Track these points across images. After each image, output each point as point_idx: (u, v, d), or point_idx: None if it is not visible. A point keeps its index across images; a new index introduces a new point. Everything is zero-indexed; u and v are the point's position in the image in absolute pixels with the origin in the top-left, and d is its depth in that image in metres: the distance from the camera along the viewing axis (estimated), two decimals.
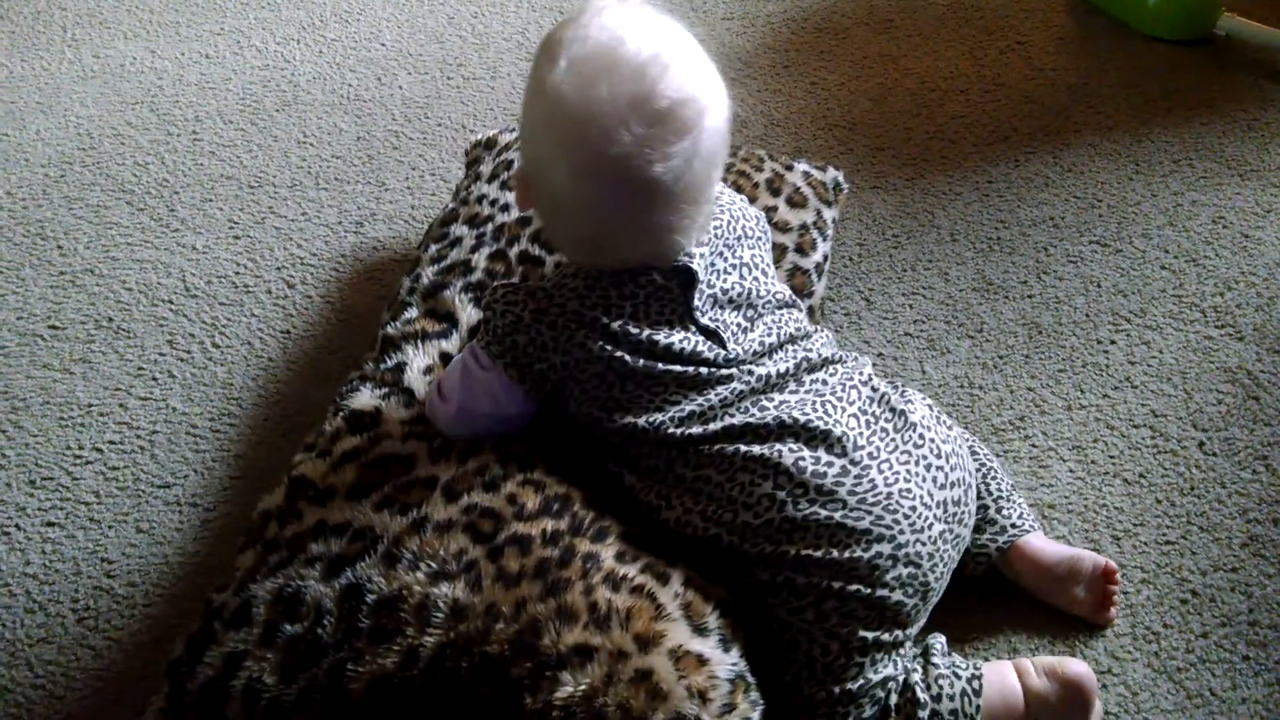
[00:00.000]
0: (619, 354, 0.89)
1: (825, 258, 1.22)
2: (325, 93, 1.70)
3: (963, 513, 0.94)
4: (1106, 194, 1.45)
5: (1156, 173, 1.48)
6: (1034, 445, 1.15)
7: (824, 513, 0.86)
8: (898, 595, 0.87)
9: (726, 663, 0.81)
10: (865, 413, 0.93)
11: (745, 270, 0.97)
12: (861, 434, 0.91)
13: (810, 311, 1.16)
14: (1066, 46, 1.73)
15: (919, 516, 0.89)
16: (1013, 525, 1.00)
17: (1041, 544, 1.00)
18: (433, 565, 0.83)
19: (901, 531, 0.87)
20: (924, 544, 0.88)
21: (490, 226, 1.16)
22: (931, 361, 1.24)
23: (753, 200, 1.20)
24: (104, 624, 1.04)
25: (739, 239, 0.98)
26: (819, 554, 0.86)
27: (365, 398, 1.00)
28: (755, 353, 0.93)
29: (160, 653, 0.90)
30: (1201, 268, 1.34)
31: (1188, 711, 0.94)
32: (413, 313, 1.09)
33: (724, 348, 0.92)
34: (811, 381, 0.93)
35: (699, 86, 0.86)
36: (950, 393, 1.20)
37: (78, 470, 1.17)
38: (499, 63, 1.75)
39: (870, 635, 0.86)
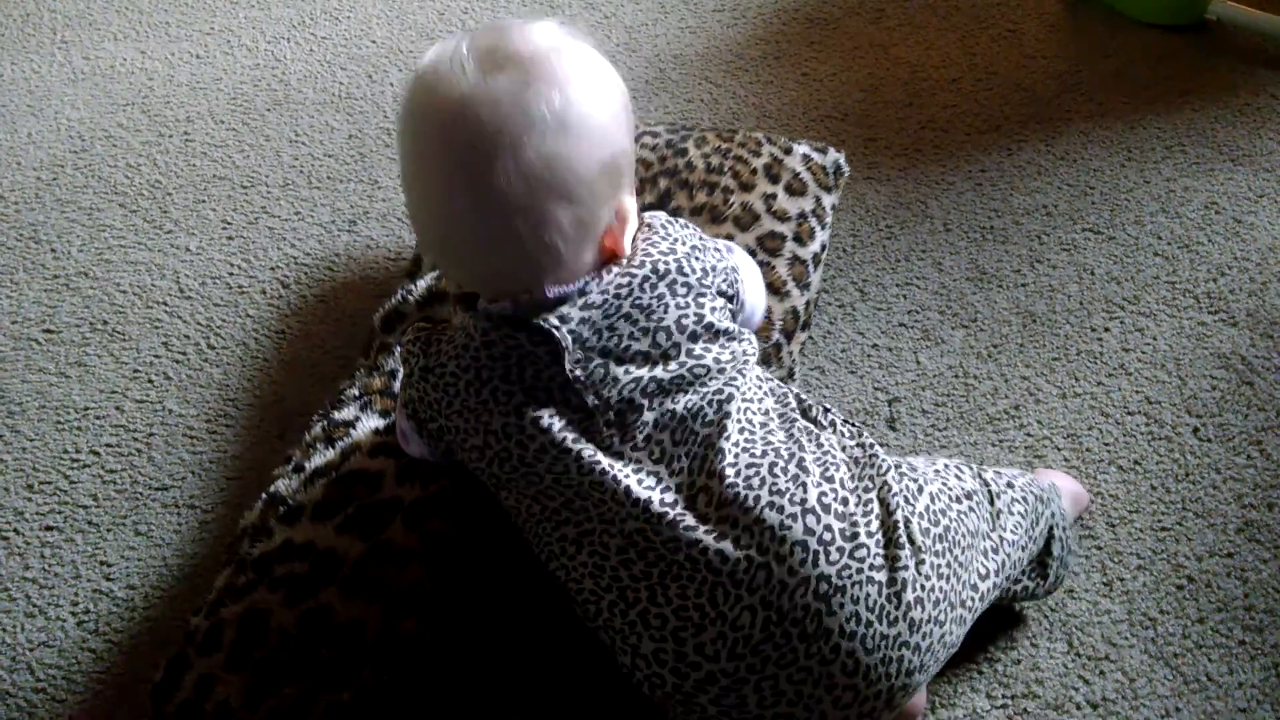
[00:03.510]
0: (493, 429, 0.80)
1: (823, 247, 1.21)
2: (316, 91, 1.70)
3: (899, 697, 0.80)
4: (1099, 181, 1.45)
5: (1149, 159, 1.48)
6: (1029, 434, 1.15)
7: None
8: None
9: None
10: (765, 607, 0.75)
11: (663, 334, 0.80)
12: (744, 639, 0.76)
13: (807, 305, 1.16)
14: (1058, 34, 1.73)
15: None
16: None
17: None
18: (391, 595, 0.84)
19: None
20: None
21: None
22: (926, 352, 1.24)
23: (750, 188, 1.19)
24: (104, 627, 1.04)
25: (669, 290, 0.82)
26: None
27: (349, 411, 1.02)
28: (652, 455, 0.79)
29: (161, 655, 0.90)
30: (1194, 253, 1.34)
31: (1184, 697, 0.94)
32: (408, 323, 1.10)
33: (603, 436, 0.79)
34: (715, 523, 0.77)
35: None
36: (945, 383, 1.21)
37: (75, 474, 1.17)
38: None
39: None
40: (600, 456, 0.78)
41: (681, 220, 0.87)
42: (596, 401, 0.79)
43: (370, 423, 0.99)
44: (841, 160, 1.28)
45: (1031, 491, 0.93)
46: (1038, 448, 1.14)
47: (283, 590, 0.85)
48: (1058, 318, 1.27)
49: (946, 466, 0.89)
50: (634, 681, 0.81)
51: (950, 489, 0.85)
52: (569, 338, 0.78)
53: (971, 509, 0.85)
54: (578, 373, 0.78)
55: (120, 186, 1.54)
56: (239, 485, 1.15)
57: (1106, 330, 1.26)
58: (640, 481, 0.78)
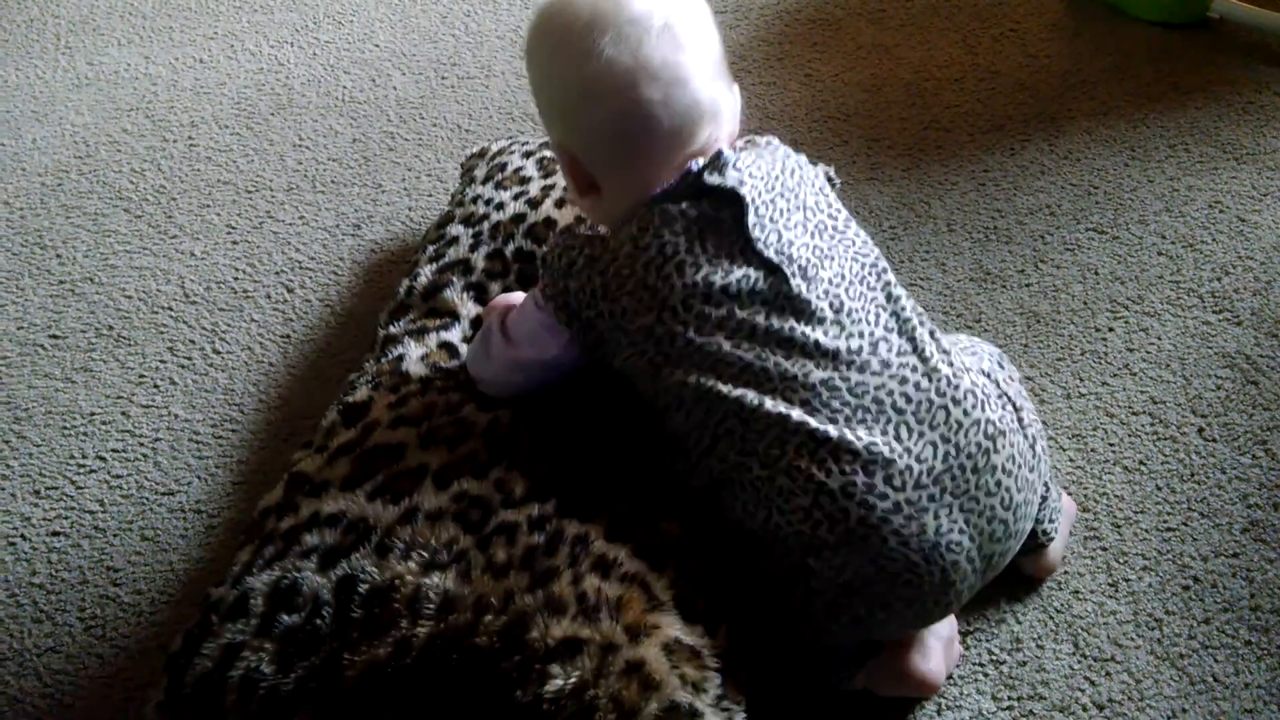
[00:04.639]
0: (671, 304, 0.84)
1: None
2: (320, 95, 1.71)
3: (1000, 564, 0.89)
4: (1103, 181, 1.45)
5: (1152, 158, 1.48)
6: None
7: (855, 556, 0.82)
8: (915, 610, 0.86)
9: (714, 654, 0.81)
10: (945, 442, 0.84)
11: (810, 212, 0.89)
12: (928, 470, 0.83)
13: None
14: (1060, 33, 1.73)
15: (958, 574, 0.85)
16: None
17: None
18: (425, 555, 0.83)
19: (934, 588, 0.84)
20: (953, 594, 0.86)
21: (486, 225, 1.17)
22: None
23: None
24: (111, 632, 1.04)
25: (798, 181, 0.90)
26: (850, 576, 0.83)
27: (361, 393, 1.02)
28: (834, 306, 0.85)
29: (165, 658, 0.90)
30: (1199, 253, 1.34)
31: (1190, 698, 0.94)
32: (413, 314, 1.10)
33: (789, 288, 0.84)
34: (898, 368, 0.85)
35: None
36: None
37: (82, 479, 1.18)
38: (493, 61, 1.75)
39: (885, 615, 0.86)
40: (786, 313, 0.84)
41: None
42: (781, 257, 0.85)
43: (383, 400, 0.99)
44: (831, 172, 1.28)
45: None
46: None
47: (315, 557, 0.85)
48: (1062, 318, 1.27)
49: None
50: (798, 530, 0.83)
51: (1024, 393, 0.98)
52: (750, 193, 0.85)
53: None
54: (757, 233, 0.85)
55: (125, 192, 1.55)
56: (245, 490, 1.15)
57: (1111, 330, 1.26)
58: (826, 333, 0.84)
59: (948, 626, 0.95)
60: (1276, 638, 0.98)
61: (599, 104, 0.85)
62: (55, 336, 1.34)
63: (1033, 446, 0.90)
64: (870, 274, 0.89)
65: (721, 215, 0.85)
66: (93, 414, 1.24)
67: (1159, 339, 1.24)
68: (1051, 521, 0.98)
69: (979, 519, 0.85)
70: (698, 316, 0.83)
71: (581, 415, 0.96)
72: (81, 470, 1.18)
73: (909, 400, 0.84)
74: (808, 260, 0.86)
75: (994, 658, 0.97)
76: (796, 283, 0.84)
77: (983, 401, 0.86)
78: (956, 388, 0.86)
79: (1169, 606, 1.00)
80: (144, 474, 1.18)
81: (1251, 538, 1.05)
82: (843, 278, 0.87)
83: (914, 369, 0.85)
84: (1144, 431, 1.15)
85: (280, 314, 1.35)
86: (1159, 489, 1.10)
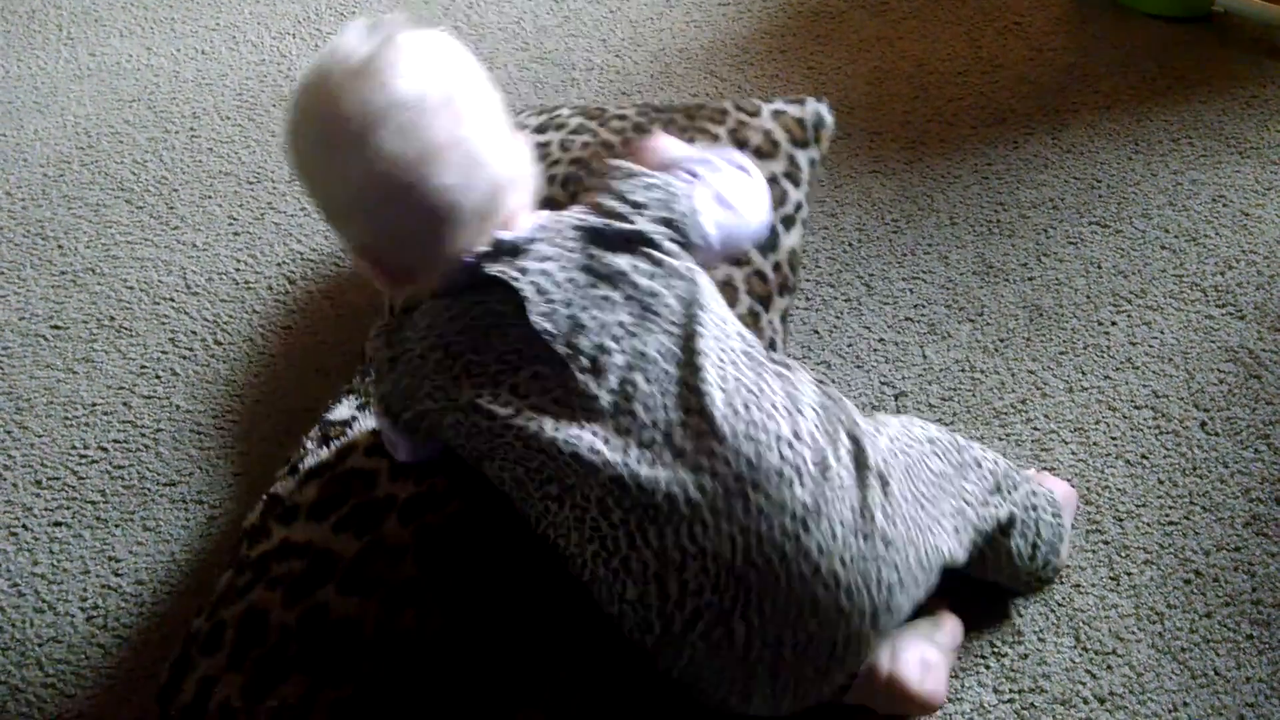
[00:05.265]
0: (462, 406, 0.80)
1: (799, 205, 1.15)
2: None
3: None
4: (1106, 174, 1.45)
5: (1156, 152, 1.48)
6: (1036, 428, 1.15)
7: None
8: None
9: None
10: (743, 534, 0.78)
11: (621, 285, 0.81)
12: (727, 569, 0.78)
13: (776, 267, 1.11)
14: (1064, 26, 1.72)
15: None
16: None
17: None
18: (390, 591, 0.84)
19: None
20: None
21: None
22: (932, 346, 1.24)
23: None
24: (112, 622, 1.04)
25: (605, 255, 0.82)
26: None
27: (343, 410, 1.02)
28: (625, 395, 0.79)
29: (169, 649, 0.90)
30: (1202, 247, 1.34)
31: (1192, 691, 0.94)
32: None
33: (575, 383, 0.79)
34: (692, 455, 0.79)
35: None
36: (951, 377, 1.21)
37: (83, 469, 1.18)
38: (495, 53, 1.75)
39: None
40: (574, 419, 0.78)
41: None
42: (568, 350, 0.79)
43: (368, 423, 0.99)
44: (824, 110, 1.22)
45: (1005, 468, 0.94)
46: (1045, 442, 1.13)
47: (281, 589, 0.86)
48: (1064, 312, 1.27)
49: (913, 420, 0.92)
50: (625, 631, 0.81)
51: (914, 434, 0.89)
52: (529, 288, 0.79)
53: (936, 453, 0.89)
54: (545, 325, 0.79)
55: (127, 183, 1.54)
56: (246, 480, 1.15)
57: (1113, 324, 1.25)
58: (615, 432, 0.78)
59: (951, 635, 0.94)
60: (1278, 632, 0.98)
61: (394, 203, 0.77)
62: (57, 327, 1.34)
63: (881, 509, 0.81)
64: (677, 347, 0.81)
65: (505, 308, 0.80)
66: (94, 404, 1.24)
67: (1162, 333, 1.24)
68: (1045, 565, 0.96)
69: (801, 612, 0.78)
70: (487, 417, 0.79)
71: None
72: (83, 461, 1.18)
73: (704, 492, 0.77)
74: (602, 345, 0.79)
75: (995, 650, 0.97)
76: (584, 380, 0.79)
77: (790, 481, 0.78)
78: (759, 469, 0.77)
79: (1171, 600, 1.00)
80: (145, 464, 1.18)
81: (1253, 532, 1.05)
82: (643, 356, 0.80)
83: (710, 454, 0.78)
84: (1146, 425, 1.15)
85: (282, 305, 1.35)
86: (1161, 483, 1.10)
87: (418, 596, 0.84)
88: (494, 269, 0.79)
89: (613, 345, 0.80)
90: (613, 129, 1.20)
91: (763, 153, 1.16)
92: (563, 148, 1.16)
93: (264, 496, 0.96)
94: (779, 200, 1.14)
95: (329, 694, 0.81)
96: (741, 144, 1.15)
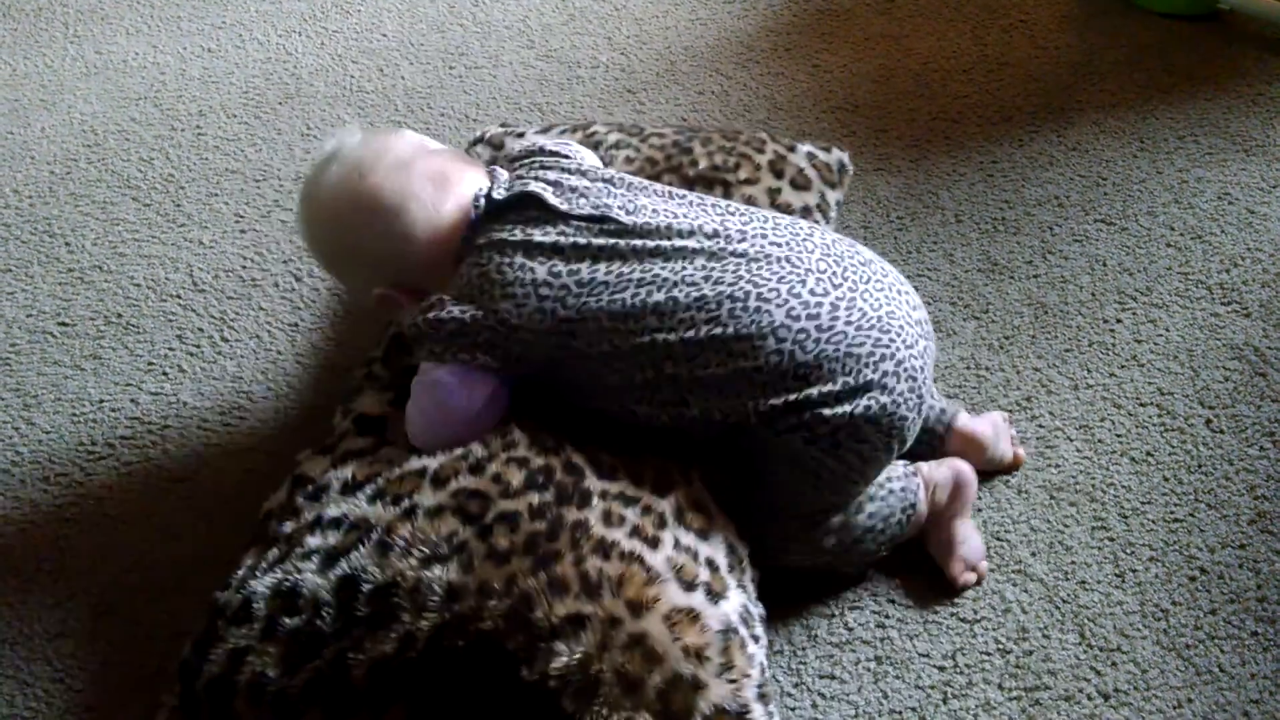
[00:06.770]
0: (532, 274, 0.94)
1: None
2: (328, 85, 1.71)
3: (930, 330, 0.98)
4: (1111, 172, 1.45)
5: (1161, 149, 1.48)
6: (1041, 425, 1.15)
7: (830, 347, 0.90)
8: (903, 410, 0.92)
9: (718, 615, 0.82)
10: (830, 252, 0.95)
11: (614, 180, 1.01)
12: (835, 270, 0.94)
13: None
14: (1070, 23, 1.72)
15: (908, 333, 0.93)
16: (947, 405, 1.10)
17: (970, 418, 1.10)
18: (425, 550, 0.84)
19: (899, 349, 0.92)
20: (915, 357, 0.93)
21: None
22: (938, 343, 1.24)
23: (754, 182, 1.20)
24: (120, 618, 1.05)
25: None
26: (837, 387, 0.89)
27: (370, 400, 1.02)
28: (669, 223, 0.96)
29: (176, 644, 0.91)
30: (1207, 244, 1.34)
31: (1196, 688, 0.94)
32: None
33: (619, 223, 0.96)
34: (762, 233, 0.96)
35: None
36: (957, 374, 1.21)
37: (91, 466, 1.18)
38: (500, 51, 1.75)
39: (883, 456, 0.94)
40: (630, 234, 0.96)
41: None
42: (600, 208, 0.96)
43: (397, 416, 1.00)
44: (846, 159, 1.29)
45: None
46: (1050, 439, 1.14)
47: (315, 558, 0.86)
48: (1070, 309, 1.27)
49: None
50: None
51: None
52: (536, 184, 0.98)
53: None
54: (563, 207, 0.96)
55: (133, 180, 1.55)
56: (254, 477, 1.15)
57: (1119, 321, 1.25)
58: (683, 225, 0.96)
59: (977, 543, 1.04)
60: None
61: (417, 243, 0.98)
62: (64, 324, 1.34)
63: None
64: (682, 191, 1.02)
65: (531, 213, 0.97)
66: (102, 401, 1.25)
67: (1167, 330, 1.24)
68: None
69: (890, 292, 0.95)
70: (571, 274, 0.94)
71: (565, 413, 0.97)
72: (91, 457, 1.19)
73: (779, 231, 0.97)
74: (623, 204, 0.97)
75: (1000, 647, 0.98)
76: (624, 217, 0.96)
77: (836, 238, 1.00)
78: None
79: (1175, 597, 1.01)
80: (153, 461, 1.18)
81: (1258, 529, 1.05)
82: (668, 196, 1.00)
83: (766, 220, 0.98)
84: (1151, 423, 1.15)
85: (288, 302, 1.35)
86: (1166, 480, 1.10)
87: (456, 551, 0.84)
88: (500, 194, 0.99)
89: (630, 201, 0.99)
90: (651, 145, 1.26)
91: (798, 184, 1.22)
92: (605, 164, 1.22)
93: (290, 476, 0.96)
94: None
95: (369, 656, 0.80)
96: (779, 174, 1.22)
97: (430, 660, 0.80)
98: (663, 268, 0.93)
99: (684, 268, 0.93)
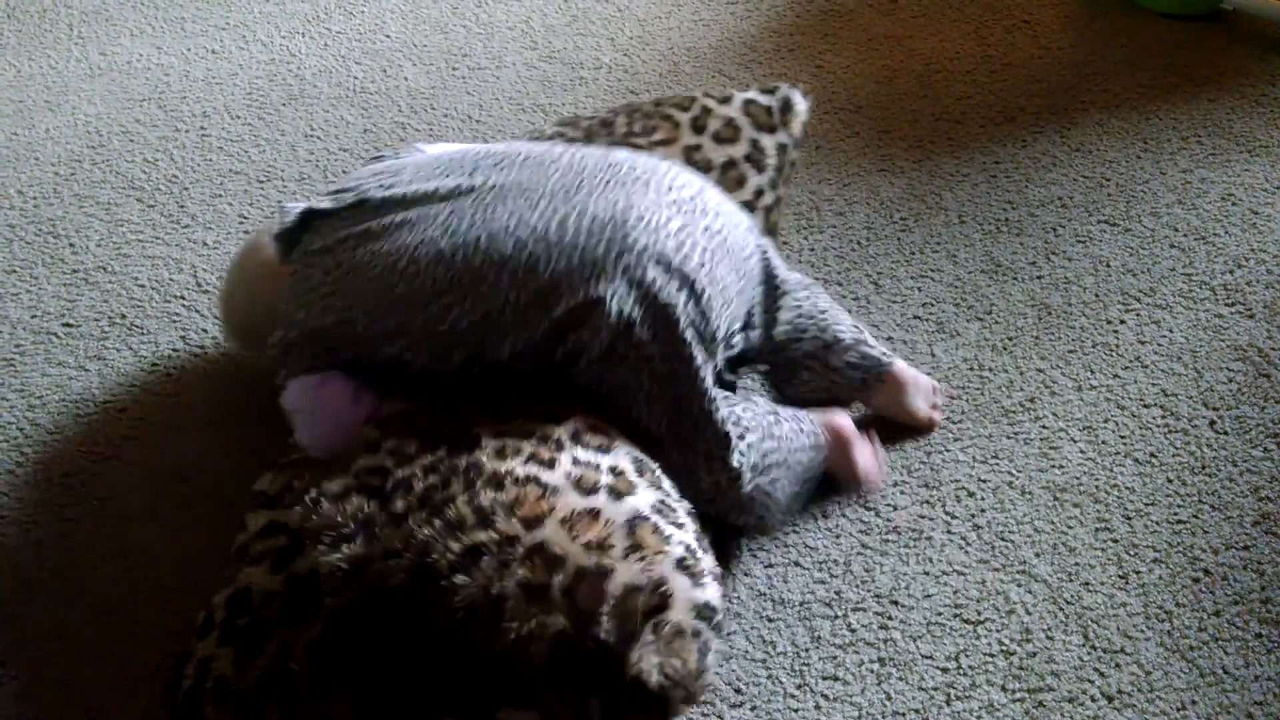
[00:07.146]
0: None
1: (759, 191, 1.18)
2: (331, 85, 1.71)
3: (706, 203, 0.99)
4: (1115, 172, 1.45)
5: (1165, 150, 1.47)
6: (1044, 427, 1.15)
7: (563, 262, 0.92)
8: (664, 295, 0.93)
9: (622, 510, 0.84)
10: (572, 167, 0.98)
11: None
12: (572, 185, 0.96)
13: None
14: (1073, 24, 1.72)
15: (655, 216, 0.95)
16: (882, 355, 1.12)
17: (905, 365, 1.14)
18: (331, 534, 0.87)
19: (638, 237, 0.93)
20: (668, 238, 0.94)
21: None
22: (941, 344, 1.24)
23: (672, 142, 1.18)
24: (123, 616, 1.05)
25: None
26: (579, 299, 0.92)
27: None
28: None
29: (178, 643, 0.91)
30: (1211, 245, 1.34)
31: (1200, 689, 0.94)
32: None
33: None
34: (506, 169, 1.00)
35: None
36: (960, 375, 1.21)
37: (95, 465, 1.18)
38: (504, 52, 1.75)
39: (686, 350, 0.95)
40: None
41: None
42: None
43: None
44: (795, 95, 1.24)
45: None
46: (1053, 440, 1.13)
47: (265, 562, 0.89)
48: (1073, 310, 1.27)
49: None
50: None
51: None
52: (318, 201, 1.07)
53: None
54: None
55: (137, 181, 1.55)
56: (258, 475, 1.15)
57: (1122, 323, 1.25)
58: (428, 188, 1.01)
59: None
60: None
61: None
62: (69, 325, 1.34)
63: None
64: None
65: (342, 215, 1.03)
66: (106, 401, 1.25)
67: (1171, 332, 1.24)
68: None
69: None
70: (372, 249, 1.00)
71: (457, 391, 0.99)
72: (95, 457, 1.19)
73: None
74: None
75: (1004, 649, 0.98)
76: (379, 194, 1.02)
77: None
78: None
79: (1179, 599, 1.00)
80: (156, 462, 1.18)
81: (1262, 530, 1.05)
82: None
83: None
84: (1155, 424, 1.15)
85: None
86: (1170, 481, 1.09)
87: (362, 527, 0.87)
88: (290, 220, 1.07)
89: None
90: (579, 127, 1.25)
91: (722, 138, 1.18)
92: None
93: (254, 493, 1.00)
94: (737, 184, 1.17)
95: (302, 638, 0.83)
96: (700, 129, 1.19)
97: (358, 636, 0.83)
98: (409, 233, 0.96)
99: (425, 230, 0.95)
